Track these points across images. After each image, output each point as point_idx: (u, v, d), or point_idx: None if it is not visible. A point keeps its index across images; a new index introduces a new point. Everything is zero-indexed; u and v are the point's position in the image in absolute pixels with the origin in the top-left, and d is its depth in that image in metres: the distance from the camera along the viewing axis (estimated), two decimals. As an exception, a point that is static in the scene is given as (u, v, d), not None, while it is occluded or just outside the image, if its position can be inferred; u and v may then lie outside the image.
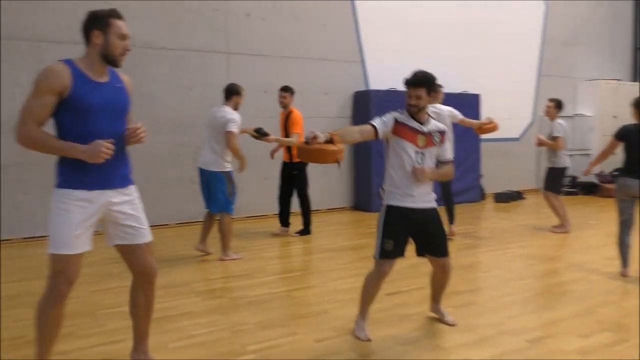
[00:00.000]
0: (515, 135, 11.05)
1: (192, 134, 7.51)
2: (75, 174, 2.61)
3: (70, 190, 2.60)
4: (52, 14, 6.59)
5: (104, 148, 2.51)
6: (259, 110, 7.83)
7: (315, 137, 3.06)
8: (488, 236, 6.87)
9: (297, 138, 6.49)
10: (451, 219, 6.44)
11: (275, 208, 7.10)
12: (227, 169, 5.52)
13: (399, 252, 3.48)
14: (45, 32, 6.59)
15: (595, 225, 7.53)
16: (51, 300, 2.65)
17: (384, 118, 3.47)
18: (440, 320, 3.84)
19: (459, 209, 8.73)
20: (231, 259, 5.61)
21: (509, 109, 10.76)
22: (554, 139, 6.87)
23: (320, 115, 8.60)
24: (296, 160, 6.53)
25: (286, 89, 6.62)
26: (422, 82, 3.41)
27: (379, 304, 4.13)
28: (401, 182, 3.48)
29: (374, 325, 3.72)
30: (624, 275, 4.91)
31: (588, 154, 11.33)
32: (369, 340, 3.51)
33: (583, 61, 11.92)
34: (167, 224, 7.49)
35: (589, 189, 10.64)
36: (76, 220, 2.60)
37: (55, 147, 2.55)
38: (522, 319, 3.88)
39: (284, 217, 6.93)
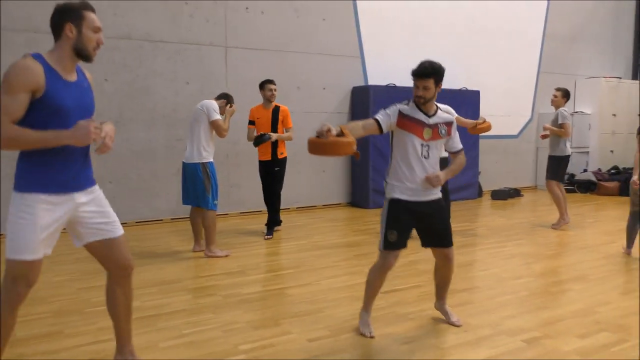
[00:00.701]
0: (514, 132, 10.99)
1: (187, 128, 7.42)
2: (41, 176, 2.46)
3: (35, 194, 2.44)
4: (48, 5, 6.48)
5: (93, 128, 2.37)
6: (255, 104, 7.73)
7: (329, 130, 3.00)
8: (485, 234, 6.81)
9: (292, 133, 6.44)
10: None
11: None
12: (204, 160, 5.42)
13: (402, 243, 3.44)
14: (41, 24, 6.48)
15: (593, 223, 7.48)
16: (8, 304, 2.52)
17: (388, 111, 3.40)
18: (445, 320, 3.76)
19: (455, 206, 8.71)
20: (216, 256, 5.51)
21: (508, 106, 10.71)
22: (561, 125, 6.83)
23: (319, 110, 8.53)
24: (281, 157, 6.41)
25: (274, 81, 6.42)
26: (430, 72, 3.33)
27: (374, 302, 4.07)
28: (405, 175, 3.42)
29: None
30: (627, 253, 5.59)
31: (587, 152, 11.28)
32: (372, 337, 3.46)
33: (584, 58, 11.86)
34: (161, 219, 7.42)
35: (586, 187, 10.58)
36: (42, 224, 2.46)
37: (38, 140, 2.36)
38: (520, 319, 3.82)
39: (270, 220, 6.68)
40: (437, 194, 3.53)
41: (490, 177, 10.48)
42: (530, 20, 10.94)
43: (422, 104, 3.40)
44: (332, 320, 3.77)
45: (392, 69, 8.85)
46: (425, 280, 4.67)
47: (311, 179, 8.64)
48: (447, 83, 9.53)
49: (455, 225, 7.04)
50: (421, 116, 3.39)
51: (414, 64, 3.41)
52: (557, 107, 7.03)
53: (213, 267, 5.20)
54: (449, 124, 3.50)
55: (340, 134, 3.06)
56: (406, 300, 4.21)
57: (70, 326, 3.66)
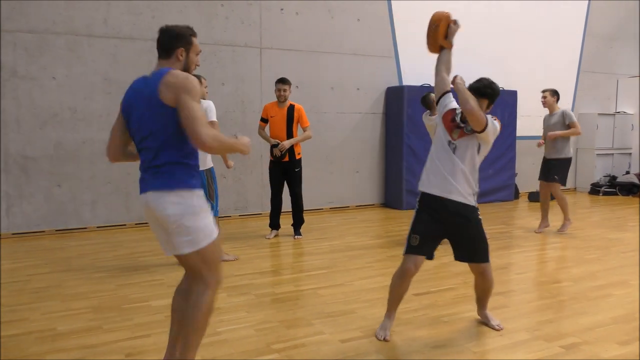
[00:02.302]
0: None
1: (224, 129, 7.50)
2: (196, 176, 2.66)
3: (199, 189, 2.63)
4: (87, 8, 6.66)
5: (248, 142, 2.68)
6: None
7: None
8: (521, 237, 6.68)
9: (310, 132, 6.36)
10: None
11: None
12: (208, 166, 5.16)
13: (425, 250, 3.39)
14: (80, 26, 6.66)
15: (635, 227, 7.25)
16: (214, 289, 2.68)
17: (452, 103, 3.48)
18: (486, 324, 3.71)
19: (491, 208, 8.57)
20: (225, 260, 5.25)
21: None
22: (570, 125, 6.63)
23: (352, 110, 8.52)
24: (298, 157, 6.31)
25: (286, 81, 6.19)
26: (486, 95, 3.36)
27: (406, 305, 4.04)
28: (434, 169, 3.40)
29: (402, 327, 3.64)
30: None
31: (629, 153, 10.95)
32: (385, 340, 3.43)
33: (626, 57, 11.51)
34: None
35: (628, 190, 10.27)
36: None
37: (229, 143, 2.57)
38: (558, 324, 3.73)
39: (278, 219, 6.59)
40: (469, 200, 3.37)
41: (528, 179, 10.28)
42: (570, 18, 10.68)
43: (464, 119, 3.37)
44: (364, 321, 3.76)
45: (427, 68, 8.69)
46: (459, 283, 4.61)
47: (344, 179, 8.64)
48: (483, 83, 9.33)
49: (490, 227, 6.96)
50: (459, 121, 3.40)
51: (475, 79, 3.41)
52: (551, 109, 6.86)
53: (246, 266, 5.24)
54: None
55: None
56: (440, 302, 4.16)
57: (109, 322, 3.75)
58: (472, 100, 3.28)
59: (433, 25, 3.67)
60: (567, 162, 6.80)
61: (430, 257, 3.44)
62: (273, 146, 6.17)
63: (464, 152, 3.36)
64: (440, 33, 3.64)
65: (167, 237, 2.62)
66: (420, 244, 3.36)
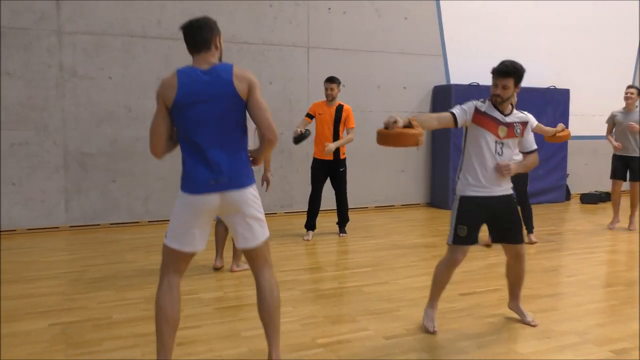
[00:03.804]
0: (605, 133, 10.39)
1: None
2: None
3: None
4: (142, 10, 6.90)
5: None
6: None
7: (395, 122, 3.09)
8: (572, 239, 6.52)
9: (353, 135, 6.29)
10: (529, 227, 6.13)
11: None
12: None
13: (472, 239, 3.47)
14: (135, 28, 6.91)
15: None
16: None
17: (464, 106, 3.45)
18: (521, 320, 3.72)
19: (541, 209, 8.38)
20: (242, 270, 4.91)
21: (600, 105, 10.10)
22: None
23: (399, 109, 8.48)
24: (343, 157, 6.31)
25: (334, 80, 6.17)
26: (511, 72, 3.35)
27: (452, 304, 4.03)
28: (478, 172, 3.44)
29: (447, 326, 3.63)
30: None
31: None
32: (435, 332, 3.50)
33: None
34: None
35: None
36: None
37: None
38: (608, 329, 3.64)
39: (315, 220, 6.47)
40: (507, 189, 3.53)
41: (580, 180, 9.99)
42: (626, 14, 10.30)
43: (499, 103, 3.42)
44: (408, 319, 3.77)
45: (475, 67, 8.64)
46: (506, 284, 4.54)
47: (390, 178, 8.62)
48: (534, 81, 9.19)
49: (541, 228, 6.83)
50: (497, 114, 3.42)
51: (498, 63, 3.39)
52: (632, 107, 6.75)
53: (292, 262, 5.33)
54: (524, 123, 3.51)
55: (408, 125, 3.13)
56: (486, 303, 4.13)
57: (160, 312, 3.89)
58: (529, 164, 3.59)
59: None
60: None
61: (476, 242, 3.53)
62: (301, 134, 5.84)
63: (508, 151, 3.47)
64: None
65: (241, 229, 2.73)
66: (468, 234, 3.44)
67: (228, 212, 2.72)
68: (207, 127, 2.63)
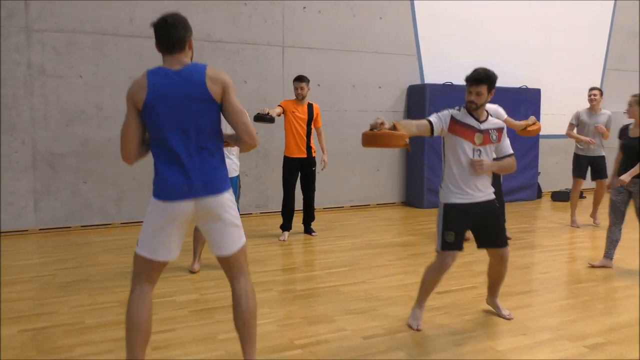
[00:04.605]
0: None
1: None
2: None
3: None
4: (114, 8, 6.77)
5: None
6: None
7: (382, 123, 3.13)
8: (544, 236, 6.62)
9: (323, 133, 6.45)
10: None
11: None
12: (239, 172, 5.04)
13: (459, 244, 3.52)
14: (107, 26, 6.78)
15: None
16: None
17: (440, 115, 3.51)
18: (497, 314, 3.82)
19: (514, 207, 8.50)
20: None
21: (571, 105, 10.26)
22: (609, 130, 6.87)
23: (374, 109, 8.51)
24: (314, 155, 6.33)
25: (304, 79, 6.18)
26: (484, 79, 3.42)
27: (429, 302, 4.04)
28: (459, 179, 3.50)
29: (424, 325, 3.65)
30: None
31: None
32: (418, 330, 3.54)
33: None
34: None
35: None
36: None
37: None
38: (582, 324, 3.71)
39: (292, 220, 6.43)
40: (490, 195, 3.59)
41: (551, 178, 10.16)
42: (596, 15, 10.52)
43: (473, 109, 3.48)
44: (386, 318, 3.78)
45: (449, 67, 8.73)
46: (481, 282, 4.59)
47: (365, 177, 8.64)
48: (507, 81, 9.30)
49: (513, 226, 6.92)
50: (472, 122, 3.48)
51: (472, 62, 3.47)
52: (597, 108, 7.00)
53: (268, 263, 5.29)
54: (499, 129, 3.58)
55: (393, 128, 3.18)
56: (462, 301, 4.16)
57: (135, 316, 3.81)
58: (506, 166, 3.61)
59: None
60: (603, 159, 7.11)
61: (462, 247, 3.56)
62: (266, 115, 5.64)
63: (485, 157, 3.53)
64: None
65: (216, 237, 2.63)
66: (456, 240, 3.48)
67: (202, 219, 2.61)
68: (179, 130, 2.52)
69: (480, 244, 3.67)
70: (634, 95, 5.04)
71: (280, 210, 6.43)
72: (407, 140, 3.17)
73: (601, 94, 7.02)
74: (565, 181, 10.27)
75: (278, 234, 6.44)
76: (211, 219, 2.60)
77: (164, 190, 2.54)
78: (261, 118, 5.65)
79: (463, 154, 3.46)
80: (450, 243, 3.48)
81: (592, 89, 7.07)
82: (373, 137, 3.16)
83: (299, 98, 6.20)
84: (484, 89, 3.41)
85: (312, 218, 6.59)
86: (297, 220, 6.72)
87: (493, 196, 3.60)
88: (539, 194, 9.74)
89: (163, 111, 2.50)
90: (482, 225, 3.58)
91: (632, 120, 5.11)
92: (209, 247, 2.75)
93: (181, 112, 2.51)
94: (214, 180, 2.58)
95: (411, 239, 6.40)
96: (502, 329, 3.61)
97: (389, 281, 4.69)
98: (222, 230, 2.62)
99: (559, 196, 9.52)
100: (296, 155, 6.24)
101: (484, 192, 3.54)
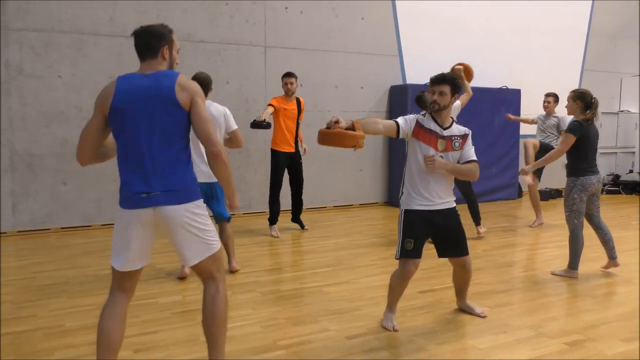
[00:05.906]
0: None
1: (227, 127, 7.54)
2: None
3: None
4: (93, 7, 6.69)
5: None
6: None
7: (337, 122, 3.13)
8: (525, 235, 6.70)
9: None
10: (476, 220, 6.29)
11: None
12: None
13: (419, 251, 3.51)
14: (86, 25, 6.70)
15: (637, 225, 7.26)
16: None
17: (407, 118, 3.53)
18: (471, 313, 3.84)
19: (494, 207, 8.59)
20: (237, 270, 4.95)
21: (550, 105, 10.49)
22: (561, 134, 6.88)
23: (356, 109, 8.53)
24: (300, 148, 6.49)
25: (293, 74, 6.32)
26: (447, 78, 3.45)
27: (411, 302, 4.07)
28: (419, 185, 3.51)
29: (408, 324, 3.67)
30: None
31: (633, 152, 10.94)
32: (395, 330, 3.54)
33: (630, 56, 11.49)
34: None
35: (632, 188, 10.27)
36: None
37: (229, 169, 2.69)
38: (562, 321, 3.76)
39: (278, 212, 6.51)
40: (451, 203, 3.60)
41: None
42: (574, 17, 10.67)
43: (436, 110, 3.48)
44: (370, 318, 3.79)
45: (430, 67, 8.68)
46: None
47: (348, 178, 8.66)
48: (487, 81, 9.37)
49: (494, 225, 6.99)
50: (436, 127, 3.49)
51: (453, 63, 3.50)
52: (551, 112, 7.19)
53: (251, 264, 5.27)
54: (463, 136, 3.56)
55: (351, 127, 3.17)
56: (444, 300, 4.18)
57: (116, 318, 3.77)
58: (465, 169, 3.53)
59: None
60: None
61: (420, 256, 3.54)
62: (262, 122, 5.81)
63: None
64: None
65: (180, 246, 2.58)
66: (415, 247, 3.47)
67: (164, 228, 2.56)
68: (143, 136, 2.49)
69: (441, 253, 3.64)
70: (572, 91, 4.86)
71: (268, 202, 6.51)
72: (361, 140, 3.15)
73: (555, 100, 7.20)
74: (545, 180, 10.40)
75: (263, 234, 6.44)
76: (173, 229, 2.53)
77: (124, 197, 2.56)
78: (258, 125, 5.85)
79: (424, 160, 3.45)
80: (409, 251, 3.46)
81: (546, 95, 7.29)
82: (326, 136, 3.17)
83: (289, 94, 6.30)
84: (446, 88, 3.43)
85: (301, 209, 6.73)
86: (282, 221, 6.72)
87: (454, 204, 3.61)
88: (519, 193, 9.85)
89: (128, 115, 2.50)
90: (441, 233, 3.56)
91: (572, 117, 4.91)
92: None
93: (146, 117, 2.49)
94: (176, 188, 2.51)
95: (394, 239, 6.41)
96: (484, 328, 3.64)
97: (372, 281, 4.70)
98: (185, 240, 2.55)
99: (542, 195, 9.62)
100: (285, 149, 6.36)
101: (445, 199, 3.54)
